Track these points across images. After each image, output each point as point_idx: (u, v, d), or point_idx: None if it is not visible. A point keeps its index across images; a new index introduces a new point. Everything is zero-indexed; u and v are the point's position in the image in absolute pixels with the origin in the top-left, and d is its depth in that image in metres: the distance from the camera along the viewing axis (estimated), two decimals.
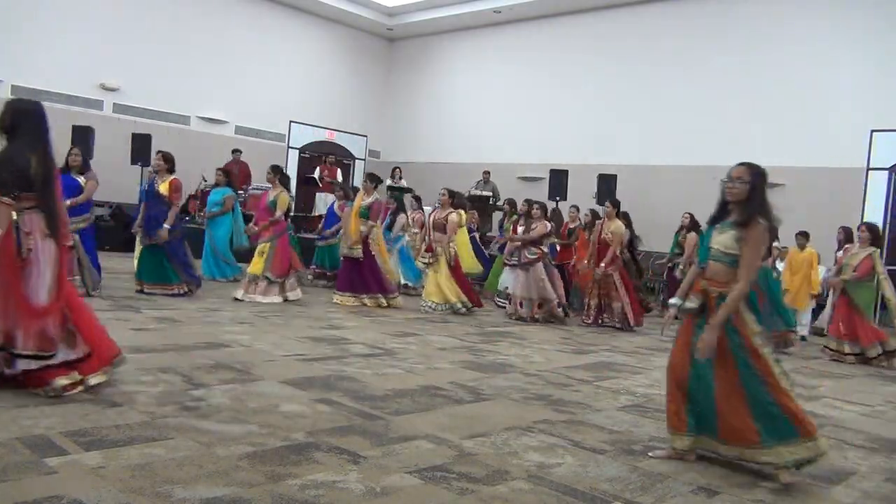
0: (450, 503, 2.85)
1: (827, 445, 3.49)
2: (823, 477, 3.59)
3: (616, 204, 9.18)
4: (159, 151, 8.18)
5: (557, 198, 13.10)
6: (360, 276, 8.64)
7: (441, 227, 8.85)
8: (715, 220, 3.63)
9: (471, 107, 17.59)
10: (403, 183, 14.89)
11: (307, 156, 17.63)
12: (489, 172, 14.77)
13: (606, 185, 12.76)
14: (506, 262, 9.44)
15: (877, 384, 6.60)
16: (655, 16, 14.77)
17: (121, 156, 12.89)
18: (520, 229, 9.15)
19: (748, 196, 3.45)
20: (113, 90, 14.62)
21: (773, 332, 7.61)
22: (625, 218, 9.42)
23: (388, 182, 14.87)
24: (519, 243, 8.94)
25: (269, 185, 8.84)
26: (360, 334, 6.70)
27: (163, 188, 7.85)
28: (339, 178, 15.78)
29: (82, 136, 12.78)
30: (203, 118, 15.92)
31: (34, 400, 3.66)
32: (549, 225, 9.04)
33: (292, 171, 17.22)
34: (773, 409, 3.39)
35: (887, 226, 11.61)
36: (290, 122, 17.32)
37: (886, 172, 11.94)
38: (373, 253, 8.64)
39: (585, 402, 4.78)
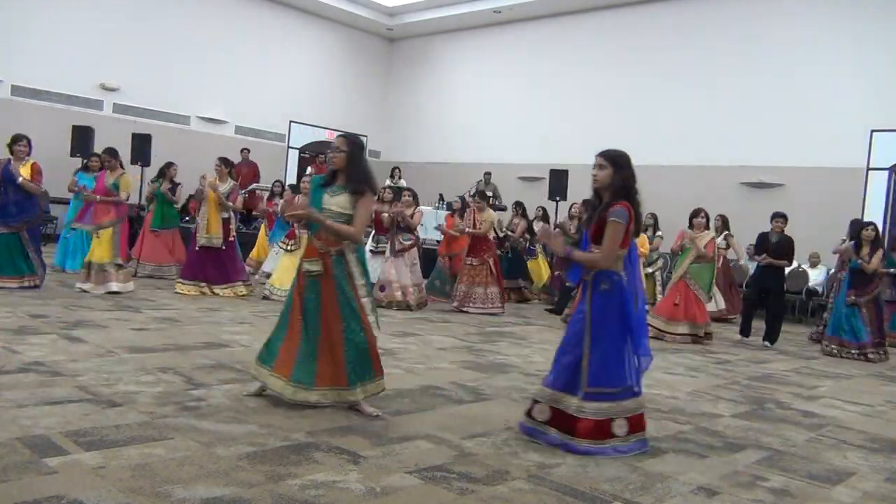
0: (450, 503, 2.85)
1: (384, 384, 4.12)
2: (823, 477, 3.59)
3: (485, 198, 9.74)
4: (23, 136, 7.78)
5: (557, 198, 13.10)
6: (219, 266, 8.40)
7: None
8: (325, 185, 4.05)
9: (471, 107, 17.60)
10: (403, 183, 14.86)
11: (307, 156, 17.64)
12: (490, 173, 14.76)
13: None
14: (371, 250, 9.09)
15: (877, 384, 6.60)
16: (655, 15, 14.77)
17: (121, 156, 12.86)
18: (457, 220, 9.53)
19: (348, 163, 3.97)
20: (113, 90, 14.63)
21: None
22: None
23: (388, 182, 14.86)
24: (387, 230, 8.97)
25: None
26: None
27: (24, 171, 7.59)
28: None
29: (82, 136, 12.80)
30: (203, 118, 15.93)
31: (34, 400, 3.66)
32: (423, 212, 9.23)
33: (292, 172, 17.26)
34: (364, 350, 3.97)
35: (887, 226, 11.62)
36: (290, 122, 17.34)
37: (886, 172, 11.95)
38: (231, 240, 8.50)
39: None
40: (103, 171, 8.20)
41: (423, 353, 6.10)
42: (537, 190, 14.65)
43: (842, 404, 5.46)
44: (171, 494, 2.65)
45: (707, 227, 8.42)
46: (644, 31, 14.86)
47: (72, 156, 12.67)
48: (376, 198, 3.91)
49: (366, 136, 18.79)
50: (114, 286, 7.75)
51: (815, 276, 11.65)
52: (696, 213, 8.52)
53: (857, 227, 8.42)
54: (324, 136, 17.98)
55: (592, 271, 3.69)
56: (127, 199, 8.10)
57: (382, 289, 8.66)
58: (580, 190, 13.15)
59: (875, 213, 11.87)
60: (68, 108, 13.93)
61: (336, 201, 3.99)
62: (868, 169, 12.02)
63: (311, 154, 16.91)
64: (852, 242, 8.22)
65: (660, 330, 8.10)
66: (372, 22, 18.26)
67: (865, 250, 7.96)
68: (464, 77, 18.00)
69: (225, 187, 8.50)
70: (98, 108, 14.42)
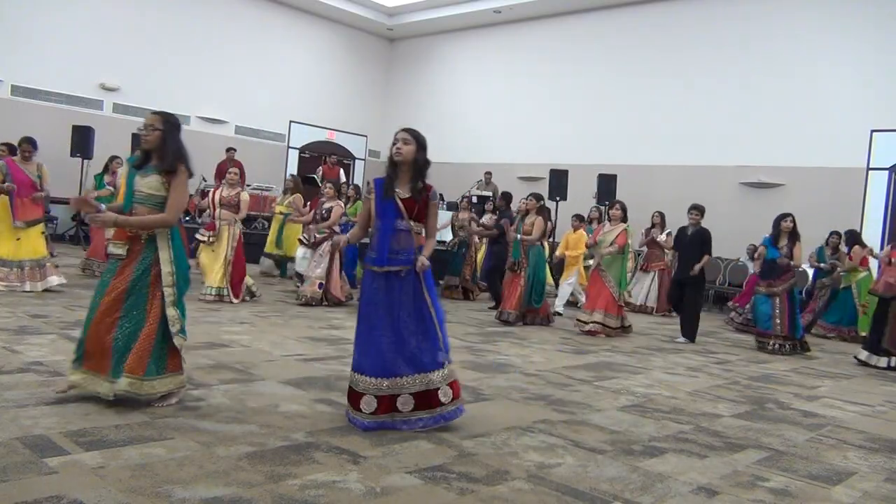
0: (450, 503, 2.85)
1: (186, 379, 3.93)
2: (823, 477, 3.59)
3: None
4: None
5: (558, 197, 13.10)
6: None
7: (229, 204, 8.33)
8: (138, 167, 3.87)
9: (471, 107, 17.60)
10: None
11: (307, 156, 17.64)
12: (491, 173, 14.76)
13: (606, 185, 12.76)
14: (300, 240, 9.27)
15: (877, 384, 6.60)
16: (655, 16, 14.77)
17: (120, 156, 12.87)
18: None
19: (163, 142, 3.76)
20: (113, 90, 14.63)
21: (531, 307, 8.46)
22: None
23: None
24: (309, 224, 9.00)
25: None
26: None
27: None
28: (342, 178, 15.78)
29: (82, 136, 12.81)
30: (203, 118, 15.92)
31: (34, 400, 3.66)
32: (342, 205, 9.13)
33: (292, 172, 17.24)
34: (141, 341, 3.68)
35: (887, 226, 11.62)
36: (290, 122, 17.34)
37: (886, 172, 11.94)
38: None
39: (585, 402, 4.78)
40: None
41: None
42: (537, 190, 14.62)
43: (842, 404, 5.46)
44: (171, 494, 2.65)
45: (624, 220, 8.32)
46: (644, 31, 14.86)
47: (72, 156, 12.68)
48: (192, 177, 3.77)
49: (366, 136, 18.83)
50: (54, 280, 7.48)
51: (753, 268, 11.76)
52: (611, 206, 8.62)
53: (777, 219, 8.41)
54: (324, 136, 17.99)
55: (406, 251, 3.78)
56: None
57: (302, 281, 8.74)
58: (580, 190, 13.20)
59: (875, 213, 11.87)
60: (68, 108, 13.93)
61: (146, 182, 3.78)
62: (868, 169, 12.01)
63: (319, 155, 16.89)
64: (769, 236, 8.24)
65: (582, 321, 8.24)
66: (372, 22, 18.26)
67: (784, 241, 7.97)
68: (464, 77, 18.00)
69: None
70: (98, 108, 14.42)
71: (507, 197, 10.43)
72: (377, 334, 3.72)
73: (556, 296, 10.04)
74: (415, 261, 3.73)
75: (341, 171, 16.09)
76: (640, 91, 14.68)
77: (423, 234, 3.85)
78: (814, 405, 5.34)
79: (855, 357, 7.72)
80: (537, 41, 16.60)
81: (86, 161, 12.80)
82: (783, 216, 8.07)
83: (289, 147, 17.40)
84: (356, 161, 18.82)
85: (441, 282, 11.03)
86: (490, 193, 14.30)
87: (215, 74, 15.95)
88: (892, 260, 7.63)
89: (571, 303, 10.45)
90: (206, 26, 15.88)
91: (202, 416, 3.67)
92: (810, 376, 6.67)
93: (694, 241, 8.19)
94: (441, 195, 13.15)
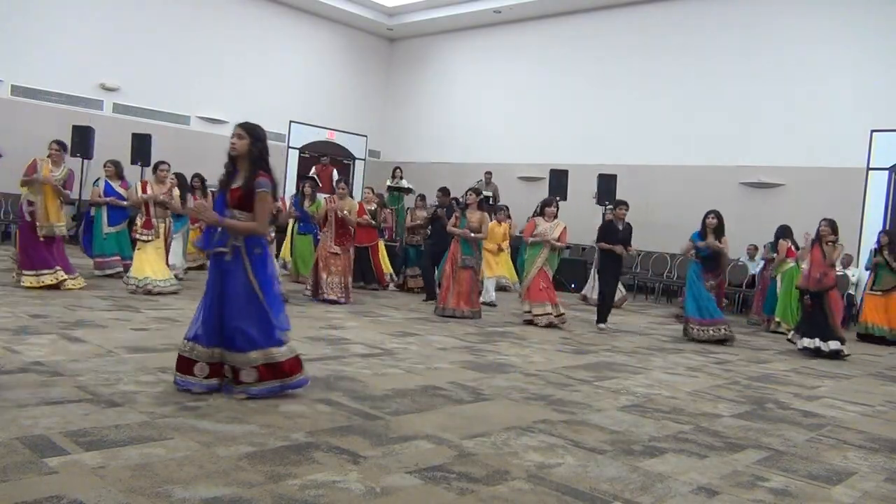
0: (450, 503, 2.85)
1: None
2: (823, 477, 3.59)
3: (338, 183, 9.60)
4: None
5: (558, 198, 13.08)
6: (57, 253, 7.92)
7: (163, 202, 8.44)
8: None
9: (471, 107, 17.60)
10: (405, 183, 14.86)
11: (307, 156, 17.64)
12: (491, 173, 14.76)
13: (606, 185, 12.76)
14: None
15: (877, 384, 6.61)
16: (655, 16, 14.77)
17: (121, 156, 12.87)
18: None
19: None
20: (113, 90, 14.63)
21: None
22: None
23: (389, 182, 14.87)
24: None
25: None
26: (360, 334, 6.70)
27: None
28: (336, 177, 15.78)
29: (82, 136, 12.81)
30: (203, 118, 15.93)
31: (34, 400, 3.66)
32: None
33: (292, 171, 17.26)
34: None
35: (887, 226, 11.61)
36: (290, 122, 17.33)
37: (886, 172, 11.94)
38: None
39: (585, 402, 4.78)
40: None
41: (423, 353, 6.10)
42: (537, 190, 14.65)
43: (842, 404, 5.46)
44: (171, 494, 2.65)
45: (556, 217, 8.73)
46: (645, 31, 14.85)
47: (72, 156, 12.66)
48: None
49: (366, 136, 18.82)
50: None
51: (753, 268, 11.97)
52: (548, 203, 9.00)
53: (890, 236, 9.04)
54: (324, 136, 17.98)
55: (242, 237, 4.05)
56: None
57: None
58: (580, 190, 13.20)
59: (875, 213, 11.87)
60: (68, 108, 13.93)
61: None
62: (868, 169, 12.01)
63: (318, 155, 16.90)
64: (697, 231, 8.60)
65: (533, 314, 8.48)
66: (372, 22, 18.25)
67: (710, 238, 8.35)
68: (464, 77, 18.00)
69: (60, 173, 7.88)
70: (98, 108, 14.42)
71: (444, 191, 10.34)
72: (208, 310, 4.09)
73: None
74: (237, 245, 4.05)
75: (334, 170, 16.10)
76: (641, 91, 14.68)
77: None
78: (814, 405, 5.34)
79: (789, 339, 8.44)
80: (537, 41, 16.60)
81: (86, 161, 12.80)
82: (707, 213, 8.53)
83: (289, 147, 17.40)
84: (356, 161, 18.81)
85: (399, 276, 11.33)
86: (490, 193, 14.31)
87: (215, 74, 15.95)
88: (819, 256, 8.01)
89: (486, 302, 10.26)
90: (207, 26, 15.88)
91: (202, 416, 3.66)
92: (810, 376, 6.67)
93: (623, 236, 8.68)
94: (423, 195, 12.97)
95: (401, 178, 14.97)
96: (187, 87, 15.51)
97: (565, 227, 8.69)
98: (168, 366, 4.67)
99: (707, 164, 13.56)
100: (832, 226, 7.93)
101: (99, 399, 3.78)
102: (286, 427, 3.60)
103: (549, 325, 8.39)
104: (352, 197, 9.58)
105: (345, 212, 8.92)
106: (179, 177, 9.42)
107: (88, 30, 14.16)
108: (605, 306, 8.84)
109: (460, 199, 11.11)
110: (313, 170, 15.71)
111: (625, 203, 8.92)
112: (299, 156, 17.63)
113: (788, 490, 3.34)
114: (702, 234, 8.45)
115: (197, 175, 10.45)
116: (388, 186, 14.65)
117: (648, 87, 14.58)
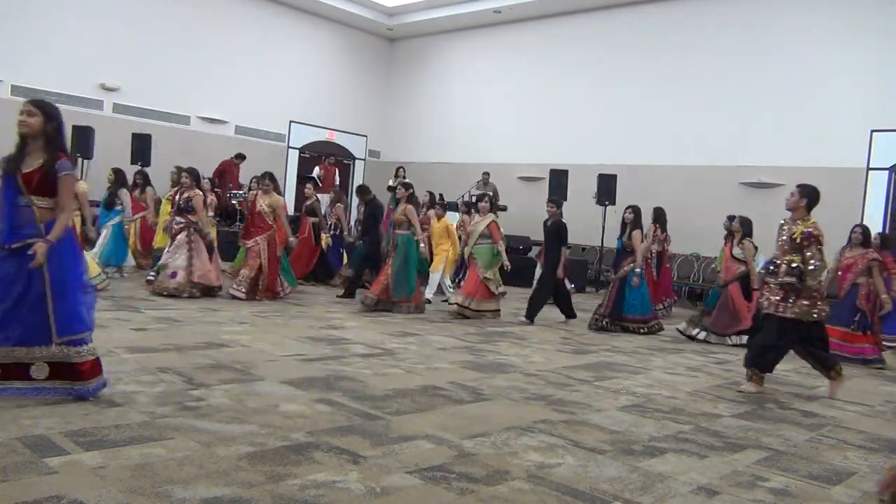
0: (450, 503, 2.85)
1: None
2: (823, 477, 3.59)
3: (273, 179, 9.15)
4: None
5: (490, 193, 12.98)
6: None
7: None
8: None
9: (471, 107, 17.59)
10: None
11: (307, 156, 17.64)
12: (489, 173, 14.75)
13: (606, 185, 12.75)
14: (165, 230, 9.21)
15: (877, 384, 6.61)
16: (655, 16, 14.76)
17: (121, 156, 12.89)
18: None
19: None
20: (113, 90, 14.61)
21: (401, 297, 8.56)
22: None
23: (390, 182, 14.86)
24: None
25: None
26: (360, 334, 6.71)
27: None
28: (337, 178, 15.79)
29: (82, 136, 12.79)
30: (203, 118, 15.92)
31: (34, 400, 3.66)
32: (207, 196, 9.06)
33: (292, 171, 17.27)
34: None
35: (887, 226, 11.60)
36: (290, 122, 17.32)
37: (886, 172, 11.93)
38: None
39: (585, 402, 4.78)
40: None
41: (423, 353, 6.10)
42: (538, 190, 14.65)
43: (842, 404, 5.46)
44: (171, 494, 2.65)
45: (490, 211, 8.90)
46: (644, 31, 14.84)
47: (72, 156, 12.66)
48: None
49: (366, 136, 18.82)
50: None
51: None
52: (480, 198, 9.38)
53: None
54: (324, 136, 17.98)
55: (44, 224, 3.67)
56: None
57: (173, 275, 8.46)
58: (581, 189, 13.20)
59: (875, 213, 11.86)
60: (68, 108, 13.87)
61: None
62: (868, 169, 12.01)
63: (320, 155, 16.90)
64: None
65: (465, 307, 8.58)
66: (372, 22, 18.24)
67: (627, 231, 8.65)
68: (464, 77, 17.99)
69: None
70: (98, 108, 14.41)
71: (363, 189, 10.22)
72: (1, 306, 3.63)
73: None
74: (40, 240, 3.60)
75: (336, 171, 16.12)
76: (640, 91, 14.66)
77: (56, 210, 3.69)
78: (814, 405, 5.34)
79: (676, 328, 8.63)
80: (537, 41, 16.59)
81: (86, 161, 12.79)
82: (626, 208, 8.78)
83: (289, 147, 17.39)
84: (356, 161, 18.81)
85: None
86: (490, 193, 14.30)
87: (215, 74, 15.94)
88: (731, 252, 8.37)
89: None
90: (206, 26, 15.86)
91: (202, 416, 3.67)
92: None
93: (550, 233, 8.84)
94: (441, 195, 13.16)
95: (403, 177, 14.96)
96: (187, 87, 15.50)
97: (493, 221, 8.79)
98: (168, 366, 4.69)
99: (707, 164, 13.56)
100: (742, 222, 8.37)
101: (99, 399, 3.78)
102: (286, 427, 3.60)
103: (460, 315, 8.54)
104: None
105: (263, 206, 8.79)
106: (117, 172, 9.95)
107: (88, 30, 14.14)
108: (533, 301, 8.87)
109: (463, 199, 11.15)
110: (316, 170, 15.71)
111: (553, 200, 9.09)
112: (299, 156, 17.63)
113: (788, 490, 3.34)
114: (621, 230, 8.70)
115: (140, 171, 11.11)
116: (389, 186, 14.66)
117: (648, 87, 14.57)
